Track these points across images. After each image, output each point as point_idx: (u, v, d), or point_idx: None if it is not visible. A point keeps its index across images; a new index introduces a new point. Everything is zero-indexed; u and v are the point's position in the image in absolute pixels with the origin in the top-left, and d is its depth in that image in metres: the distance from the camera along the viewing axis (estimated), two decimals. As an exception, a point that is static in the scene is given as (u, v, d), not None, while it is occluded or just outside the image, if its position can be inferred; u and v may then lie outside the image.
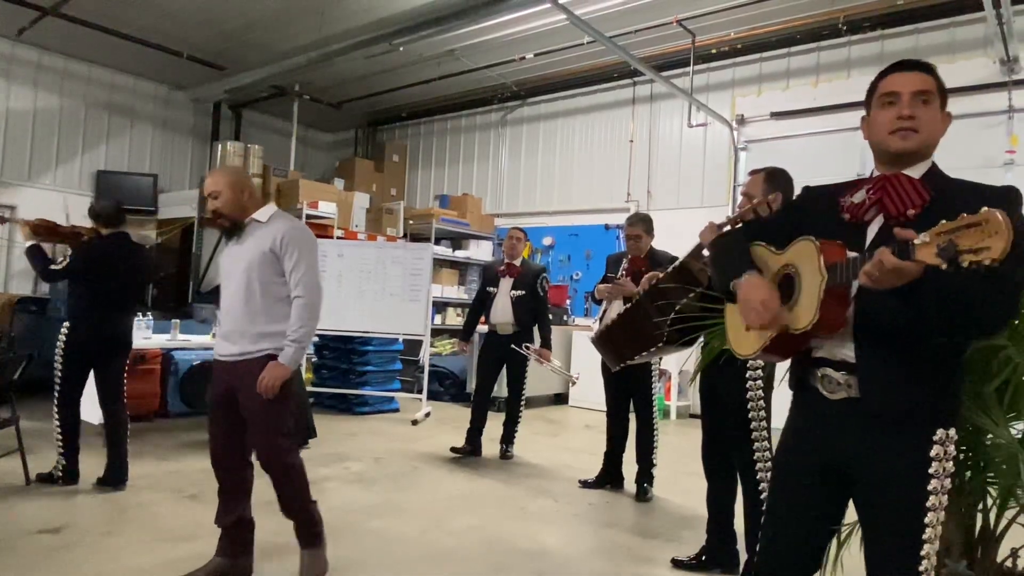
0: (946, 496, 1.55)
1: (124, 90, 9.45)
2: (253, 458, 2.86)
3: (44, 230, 4.10)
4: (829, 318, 1.49)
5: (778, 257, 1.68)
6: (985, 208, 1.19)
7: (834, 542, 1.84)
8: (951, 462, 1.54)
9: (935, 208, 1.44)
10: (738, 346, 1.76)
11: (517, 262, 5.35)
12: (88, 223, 4.19)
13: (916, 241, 1.28)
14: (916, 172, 1.58)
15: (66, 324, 3.96)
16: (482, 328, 5.54)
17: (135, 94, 9.57)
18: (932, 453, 1.52)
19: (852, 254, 1.49)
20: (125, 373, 4.23)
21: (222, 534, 2.85)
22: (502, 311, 5.26)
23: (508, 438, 5.36)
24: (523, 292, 5.23)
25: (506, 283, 5.30)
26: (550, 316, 5.45)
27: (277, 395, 2.70)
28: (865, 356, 1.54)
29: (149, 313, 5.67)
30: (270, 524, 3.03)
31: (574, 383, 5.62)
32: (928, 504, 1.52)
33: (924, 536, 1.52)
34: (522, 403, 5.37)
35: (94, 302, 3.95)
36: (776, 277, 1.66)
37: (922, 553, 1.53)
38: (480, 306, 5.48)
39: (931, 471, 1.52)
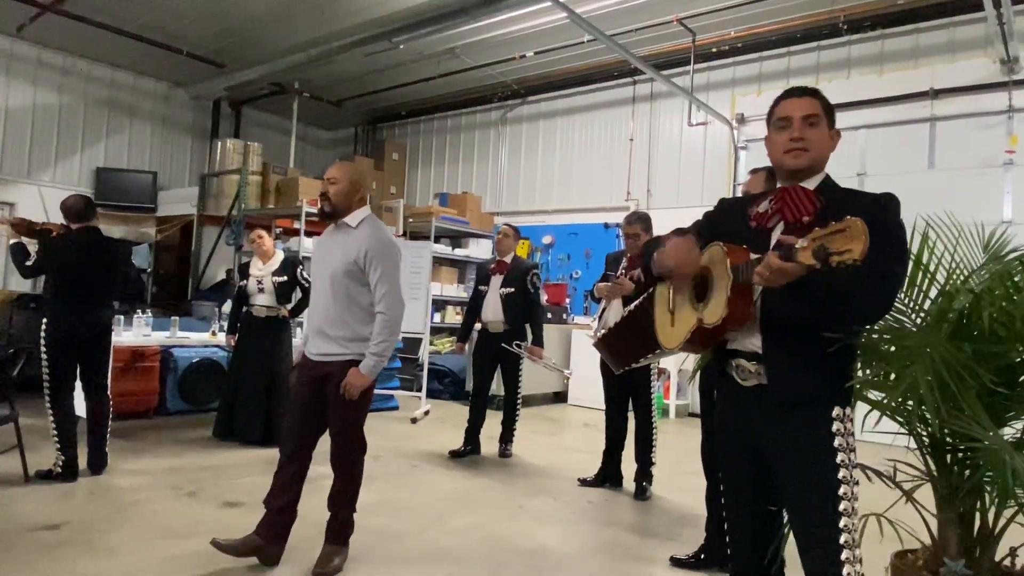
0: (856, 469, 1.71)
1: (124, 87, 9.45)
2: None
3: (22, 228, 4.16)
4: (736, 313, 1.69)
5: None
6: (848, 216, 1.38)
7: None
8: (851, 436, 1.72)
9: (827, 214, 1.63)
10: (665, 340, 1.98)
11: (508, 259, 5.29)
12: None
13: (797, 245, 1.47)
14: (811, 184, 1.78)
15: (44, 319, 4.01)
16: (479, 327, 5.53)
17: (135, 91, 9.56)
18: (834, 428, 1.70)
19: (755, 256, 1.65)
20: (109, 366, 4.30)
21: (265, 515, 2.94)
22: (492, 309, 5.22)
23: (506, 437, 5.35)
24: (512, 289, 5.15)
25: (496, 280, 5.25)
26: (542, 313, 5.38)
27: (359, 398, 2.87)
28: (770, 346, 1.73)
29: (148, 310, 5.67)
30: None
31: (568, 378, 5.59)
32: (840, 476, 1.67)
33: (841, 508, 1.66)
34: (518, 401, 5.35)
35: (65, 296, 4.01)
36: (694, 279, 1.85)
37: (840, 525, 1.66)
38: (475, 306, 5.45)
39: (836, 444, 1.69)
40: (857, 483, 1.70)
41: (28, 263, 4.07)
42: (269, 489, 2.97)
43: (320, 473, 3.07)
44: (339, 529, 2.99)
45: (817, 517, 1.68)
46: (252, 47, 8.34)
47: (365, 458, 3.04)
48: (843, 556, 1.64)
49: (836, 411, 1.70)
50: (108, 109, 9.31)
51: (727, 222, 1.91)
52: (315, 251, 3.11)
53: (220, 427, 5.30)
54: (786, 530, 1.88)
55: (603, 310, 4.44)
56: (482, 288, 5.34)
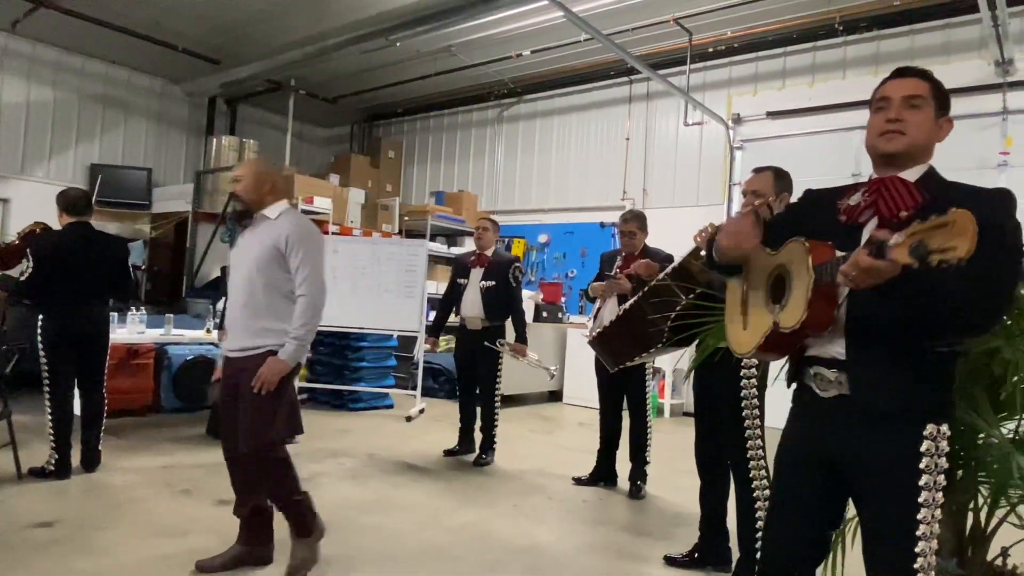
0: (940, 493, 1.56)
1: (118, 83, 9.40)
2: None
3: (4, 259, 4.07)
4: (817, 316, 1.53)
5: (772, 258, 1.71)
6: (953, 209, 1.22)
7: (837, 538, 1.87)
8: (943, 457, 1.55)
9: (929, 211, 1.44)
10: (736, 345, 1.81)
11: (488, 252, 5.11)
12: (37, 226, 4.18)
13: (891, 242, 1.31)
14: (912, 175, 1.61)
15: (40, 316, 3.98)
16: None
17: (130, 87, 9.52)
18: (923, 448, 1.54)
19: (841, 254, 1.50)
20: (105, 364, 4.27)
21: (241, 523, 2.93)
22: (471, 304, 5.03)
23: (486, 445, 5.06)
24: (493, 283, 4.98)
25: (476, 274, 5.06)
26: (524, 309, 5.21)
27: (274, 390, 2.73)
28: (854, 353, 1.58)
29: (142, 307, 5.65)
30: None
31: (552, 376, 5.47)
32: (921, 500, 1.53)
33: (919, 532, 1.53)
34: (497, 403, 5.06)
35: (58, 292, 3.96)
36: (770, 278, 1.70)
37: (917, 549, 1.53)
38: (449, 300, 5.28)
39: (922, 466, 1.53)
40: (940, 507, 1.55)
41: (24, 279, 3.91)
42: (235, 499, 2.93)
43: (313, 471, 3.08)
44: (296, 523, 2.86)
45: (892, 541, 1.55)
46: (248, 44, 8.31)
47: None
48: None
49: (930, 428, 1.53)
50: (103, 105, 9.26)
51: (814, 215, 1.73)
52: (233, 251, 2.98)
53: (215, 425, 5.29)
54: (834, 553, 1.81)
55: (598, 309, 4.44)
56: (460, 282, 5.16)
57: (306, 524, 2.87)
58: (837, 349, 1.61)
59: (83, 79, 9.05)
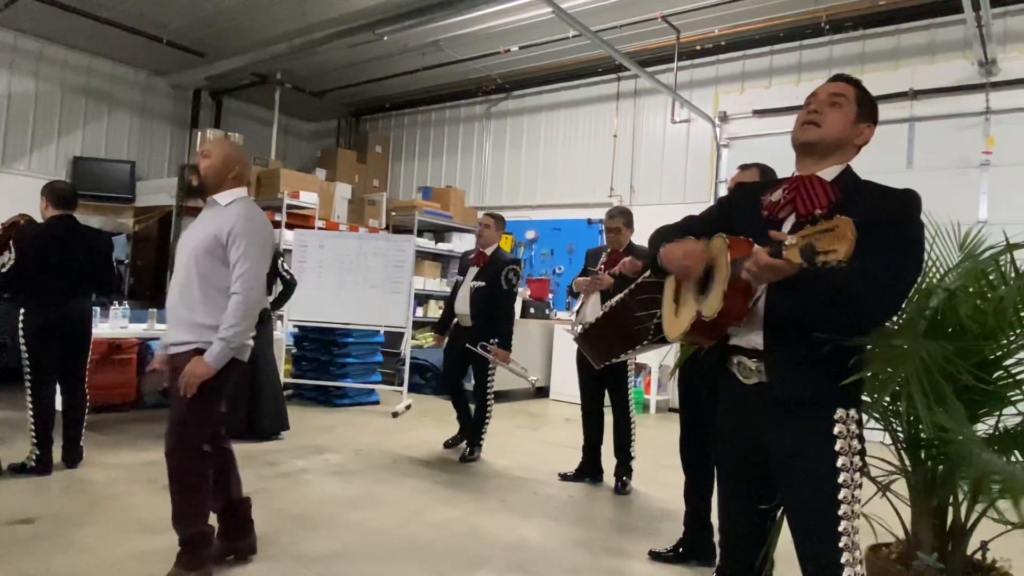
0: (858, 473, 1.65)
1: (101, 75, 9.29)
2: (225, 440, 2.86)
3: None
4: (733, 308, 1.63)
5: None
6: (839, 216, 1.32)
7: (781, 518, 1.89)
8: (855, 440, 1.66)
9: (843, 209, 1.53)
10: (668, 330, 1.93)
11: (488, 251, 5.02)
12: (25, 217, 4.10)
13: (787, 242, 1.41)
14: (830, 174, 1.70)
15: (22, 310, 3.91)
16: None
17: (113, 79, 9.41)
18: (835, 431, 1.64)
19: (758, 249, 1.56)
20: (87, 359, 4.22)
21: (218, 519, 2.86)
22: (462, 301, 5.01)
23: (473, 441, 5.01)
24: (483, 283, 4.89)
25: (472, 272, 5.03)
26: (511, 313, 5.01)
27: (199, 394, 2.53)
28: (771, 344, 1.68)
29: (125, 302, 5.59)
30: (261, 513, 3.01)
31: (534, 386, 5.36)
32: (840, 480, 1.62)
33: (840, 512, 1.61)
34: (489, 401, 5.01)
35: (41, 286, 3.91)
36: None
37: (840, 529, 1.61)
38: (452, 296, 5.27)
39: (837, 448, 1.63)
40: (860, 486, 1.65)
41: (5, 270, 3.87)
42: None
43: (298, 467, 3.06)
44: (186, 552, 2.60)
45: (815, 520, 1.63)
46: (233, 36, 8.23)
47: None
48: (843, 559, 1.59)
49: (839, 413, 1.64)
50: (86, 97, 9.15)
51: (740, 210, 1.83)
52: (183, 233, 2.86)
53: None
54: (777, 529, 1.86)
55: (581, 305, 4.44)
56: (459, 279, 5.17)
57: (194, 557, 2.60)
58: (757, 339, 1.70)
59: (66, 71, 8.93)
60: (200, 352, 2.55)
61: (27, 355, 3.90)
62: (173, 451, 2.61)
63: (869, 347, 1.77)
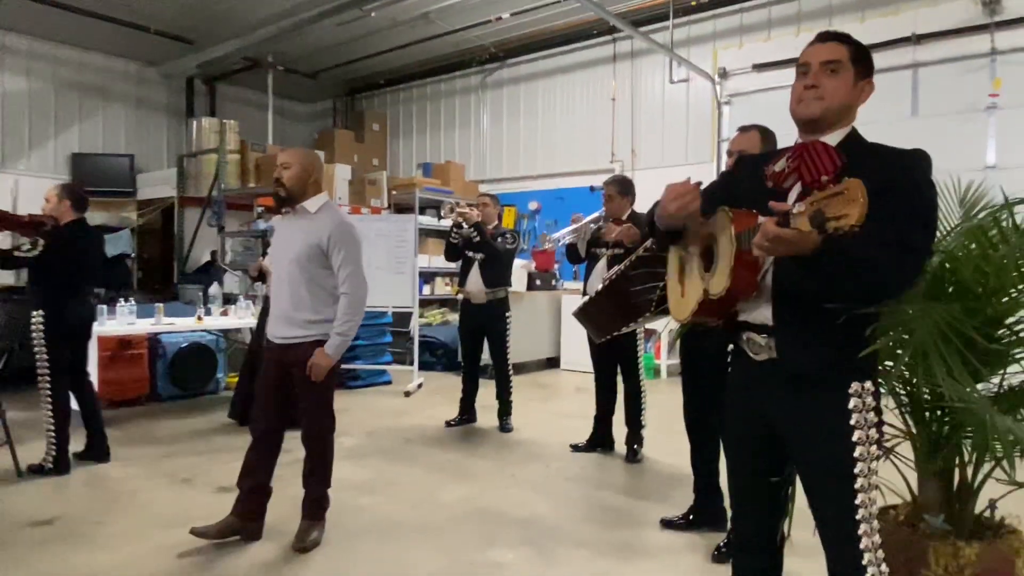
0: (875, 446, 1.61)
1: (93, 69, 9.22)
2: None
3: (29, 227, 4.00)
4: (740, 284, 1.59)
5: (704, 226, 1.74)
6: (847, 179, 1.27)
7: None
8: (871, 412, 1.61)
9: (850, 174, 1.45)
10: (675, 311, 1.88)
11: (491, 228, 5.18)
12: (48, 210, 4.10)
13: (794, 211, 1.36)
14: (834, 139, 1.63)
15: (40, 312, 3.92)
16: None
17: (105, 73, 9.33)
18: (850, 405, 1.59)
19: (763, 220, 1.50)
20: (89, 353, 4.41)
21: (239, 495, 3.05)
22: (473, 279, 5.13)
23: (504, 410, 5.27)
24: (483, 255, 5.09)
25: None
26: (501, 250, 5.11)
27: (325, 380, 2.97)
28: (781, 319, 1.63)
29: (131, 298, 5.61)
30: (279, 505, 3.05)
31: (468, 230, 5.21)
32: (856, 454, 1.58)
33: (856, 485, 1.59)
34: (509, 371, 5.26)
35: (65, 288, 3.98)
36: (703, 246, 1.74)
37: (857, 502, 1.59)
38: (465, 269, 5.24)
39: (852, 422, 1.59)
40: (877, 459, 1.61)
41: (20, 254, 3.96)
42: (240, 470, 3.06)
43: (297, 456, 3.07)
44: (316, 506, 3.08)
45: (832, 495, 1.61)
46: (220, 22, 8.12)
47: (335, 437, 3.16)
48: (860, 531, 1.58)
49: (854, 387, 1.59)
50: (79, 93, 9.09)
51: (744, 182, 1.77)
52: (274, 237, 3.19)
53: (241, 408, 5.19)
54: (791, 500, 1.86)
55: (588, 274, 4.47)
56: (469, 254, 5.19)
57: (323, 509, 3.11)
58: (766, 315, 1.65)
59: (57, 66, 8.87)
60: (316, 344, 2.94)
61: (48, 356, 3.93)
62: (316, 426, 3.05)
63: (882, 314, 1.69)
